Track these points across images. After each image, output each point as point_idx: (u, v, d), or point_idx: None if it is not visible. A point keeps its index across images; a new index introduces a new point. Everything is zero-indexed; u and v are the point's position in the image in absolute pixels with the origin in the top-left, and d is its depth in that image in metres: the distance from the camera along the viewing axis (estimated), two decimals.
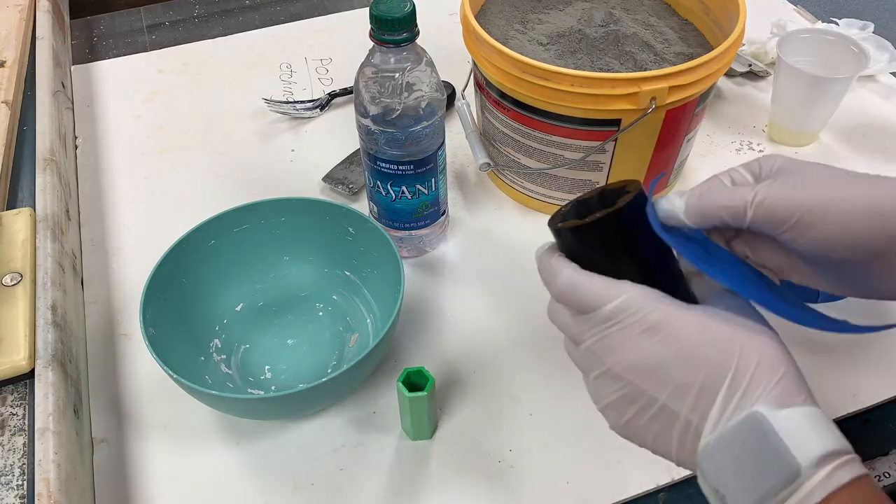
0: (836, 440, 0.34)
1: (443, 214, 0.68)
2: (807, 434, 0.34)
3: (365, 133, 0.60)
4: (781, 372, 0.36)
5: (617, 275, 0.39)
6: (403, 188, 0.62)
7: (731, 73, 0.88)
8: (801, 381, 0.36)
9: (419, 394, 0.51)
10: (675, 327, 0.37)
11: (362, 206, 0.73)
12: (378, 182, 0.63)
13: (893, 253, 0.37)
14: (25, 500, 0.50)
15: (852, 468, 0.33)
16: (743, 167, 0.42)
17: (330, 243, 0.64)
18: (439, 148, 0.62)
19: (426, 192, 0.63)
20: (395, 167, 0.61)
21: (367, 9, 1.06)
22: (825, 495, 0.32)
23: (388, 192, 0.63)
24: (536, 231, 0.72)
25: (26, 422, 0.55)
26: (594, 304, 0.38)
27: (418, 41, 0.57)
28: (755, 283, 0.40)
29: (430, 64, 0.58)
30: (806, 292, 0.64)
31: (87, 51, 0.98)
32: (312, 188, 0.76)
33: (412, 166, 0.61)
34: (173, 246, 0.59)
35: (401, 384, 0.51)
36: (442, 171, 0.64)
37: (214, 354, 0.60)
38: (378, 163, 0.61)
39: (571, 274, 0.40)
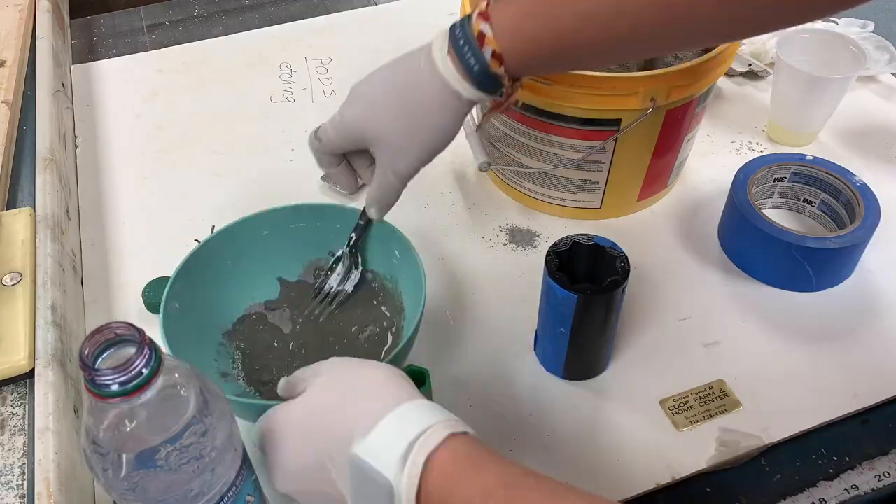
0: (417, 424, 0.37)
1: None
2: (388, 442, 0.36)
3: None
4: (368, 403, 0.39)
5: None
6: None
7: (730, 73, 0.88)
8: (396, 390, 0.39)
9: None
10: (280, 436, 0.43)
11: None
12: None
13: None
14: (25, 499, 0.50)
15: (429, 442, 0.36)
16: None
17: (377, 260, 0.63)
18: None
19: None
20: None
21: (367, 9, 1.06)
22: (416, 485, 0.35)
23: None
24: (536, 230, 0.72)
25: (26, 421, 0.55)
26: None
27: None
28: None
29: None
30: (800, 278, 0.65)
31: (87, 51, 0.98)
32: (312, 188, 0.76)
33: None
34: (228, 226, 0.59)
35: None
36: None
37: (238, 341, 0.60)
38: None
39: None
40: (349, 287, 0.62)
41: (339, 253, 0.62)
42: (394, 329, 0.61)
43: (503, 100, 0.53)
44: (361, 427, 0.38)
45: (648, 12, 0.45)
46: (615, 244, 0.54)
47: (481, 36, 0.48)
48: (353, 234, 0.61)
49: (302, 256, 0.64)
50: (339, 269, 0.62)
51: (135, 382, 0.34)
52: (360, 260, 0.62)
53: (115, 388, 0.34)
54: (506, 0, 0.49)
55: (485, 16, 0.48)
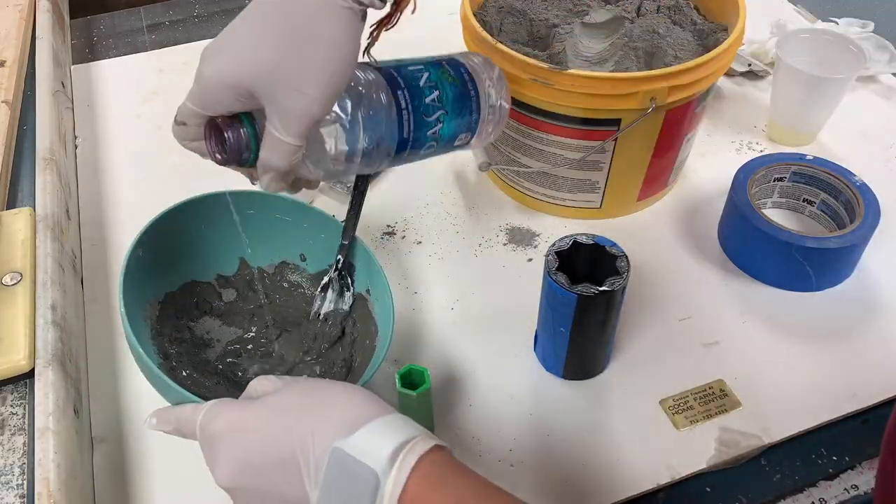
0: (405, 432, 0.38)
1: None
2: (376, 442, 0.37)
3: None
4: (349, 410, 0.39)
5: None
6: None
7: (730, 73, 0.88)
8: (372, 404, 0.40)
9: (409, 392, 0.51)
10: (241, 426, 0.41)
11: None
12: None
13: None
14: (25, 499, 0.50)
15: (418, 448, 0.37)
16: None
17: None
18: None
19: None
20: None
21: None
22: (404, 481, 0.36)
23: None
24: (536, 231, 0.72)
25: (26, 421, 0.55)
26: (191, 431, 0.43)
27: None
28: None
29: None
30: (800, 278, 0.65)
31: (87, 51, 0.98)
32: None
33: None
34: (218, 193, 0.60)
35: (399, 377, 0.51)
36: None
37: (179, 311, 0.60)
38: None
39: (166, 411, 0.45)
40: (345, 306, 0.60)
41: (326, 279, 0.60)
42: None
43: (391, 10, 0.49)
44: (344, 428, 0.38)
45: None
46: (615, 244, 0.55)
47: None
48: (340, 257, 0.59)
49: (275, 250, 0.62)
50: (330, 294, 0.60)
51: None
52: (350, 281, 0.60)
53: None
54: None
55: None
